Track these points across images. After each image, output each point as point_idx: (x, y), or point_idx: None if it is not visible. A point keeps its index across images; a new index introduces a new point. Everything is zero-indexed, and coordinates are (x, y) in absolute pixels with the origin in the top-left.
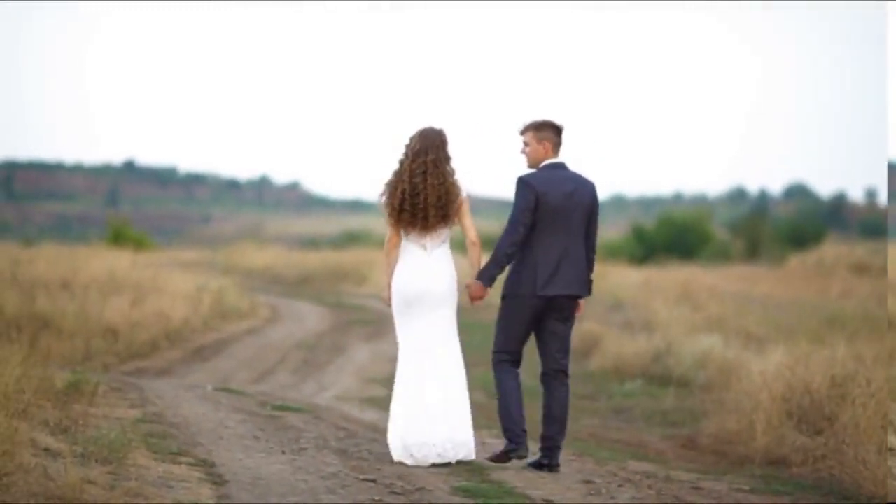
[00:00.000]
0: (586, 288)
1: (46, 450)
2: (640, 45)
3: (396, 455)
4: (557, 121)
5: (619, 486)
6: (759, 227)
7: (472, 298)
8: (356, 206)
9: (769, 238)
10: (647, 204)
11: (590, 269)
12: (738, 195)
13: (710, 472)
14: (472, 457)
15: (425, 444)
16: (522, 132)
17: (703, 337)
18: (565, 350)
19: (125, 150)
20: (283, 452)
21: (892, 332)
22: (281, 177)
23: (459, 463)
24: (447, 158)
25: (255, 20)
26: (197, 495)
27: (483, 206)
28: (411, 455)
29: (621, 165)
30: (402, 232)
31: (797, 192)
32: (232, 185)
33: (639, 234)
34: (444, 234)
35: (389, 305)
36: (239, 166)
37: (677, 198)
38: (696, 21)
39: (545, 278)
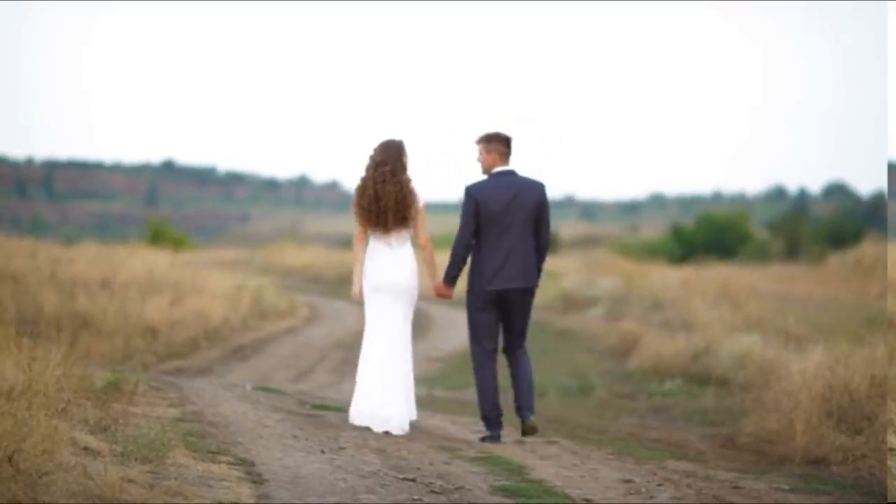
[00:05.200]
0: (533, 279)
1: (86, 449)
2: (684, 44)
3: (351, 418)
4: (505, 132)
5: (659, 485)
6: (798, 226)
7: (438, 295)
8: None
9: (808, 237)
10: (685, 203)
11: (541, 260)
12: (778, 194)
13: (750, 472)
14: (407, 428)
15: (375, 416)
16: (477, 143)
17: (742, 336)
18: (522, 333)
19: (164, 149)
20: (323, 451)
21: (893, 332)
22: (320, 176)
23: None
24: (403, 169)
25: (295, 20)
26: (236, 494)
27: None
28: (364, 420)
29: (660, 165)
30: (369, 231)
31: (836, 191)
32: (271, 185)
33: (678, 234)
34: (406, 234)
35: (359, 300)
36: (278, 166)
37: (716, 197)
38: (736, 20)
39: (491, 275)
